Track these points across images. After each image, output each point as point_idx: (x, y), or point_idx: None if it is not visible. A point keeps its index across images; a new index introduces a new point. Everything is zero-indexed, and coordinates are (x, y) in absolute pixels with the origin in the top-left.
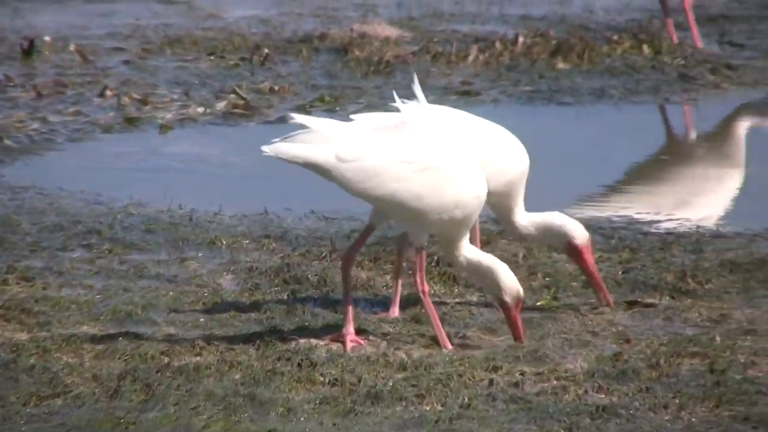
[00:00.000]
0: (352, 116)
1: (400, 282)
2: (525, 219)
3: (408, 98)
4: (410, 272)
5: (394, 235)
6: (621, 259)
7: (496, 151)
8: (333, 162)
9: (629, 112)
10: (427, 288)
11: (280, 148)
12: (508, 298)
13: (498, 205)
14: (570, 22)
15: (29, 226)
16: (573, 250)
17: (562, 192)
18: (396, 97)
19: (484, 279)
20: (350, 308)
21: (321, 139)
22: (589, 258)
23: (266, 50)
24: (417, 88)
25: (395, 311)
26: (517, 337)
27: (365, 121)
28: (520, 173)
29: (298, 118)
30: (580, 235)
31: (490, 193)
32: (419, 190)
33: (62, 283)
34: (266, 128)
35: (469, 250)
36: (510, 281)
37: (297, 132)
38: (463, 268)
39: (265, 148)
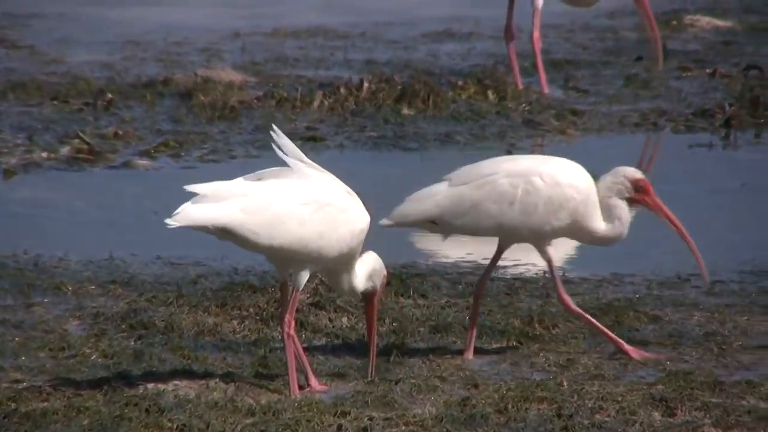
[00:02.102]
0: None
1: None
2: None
3: (253, 143)
4: (257, 317)
5: (242, 281)
6: (468, 304)
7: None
8: (240, 217)
9: (475, 158)
10: (294, 331)
11: (185, 217)
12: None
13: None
14: (415, 68)
15: None
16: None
17: (407, 238)
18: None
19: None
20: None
21: (219, 199)
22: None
23: (110, 95)
24: (281, 138)
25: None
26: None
27: (254, 175)
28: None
29: (193, 187)
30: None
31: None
32: (320, 228)
33: None
34: (111, 173)
35: (356, 275)
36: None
37: (192, 200)
38: (354, 295)
39: (168, 221)
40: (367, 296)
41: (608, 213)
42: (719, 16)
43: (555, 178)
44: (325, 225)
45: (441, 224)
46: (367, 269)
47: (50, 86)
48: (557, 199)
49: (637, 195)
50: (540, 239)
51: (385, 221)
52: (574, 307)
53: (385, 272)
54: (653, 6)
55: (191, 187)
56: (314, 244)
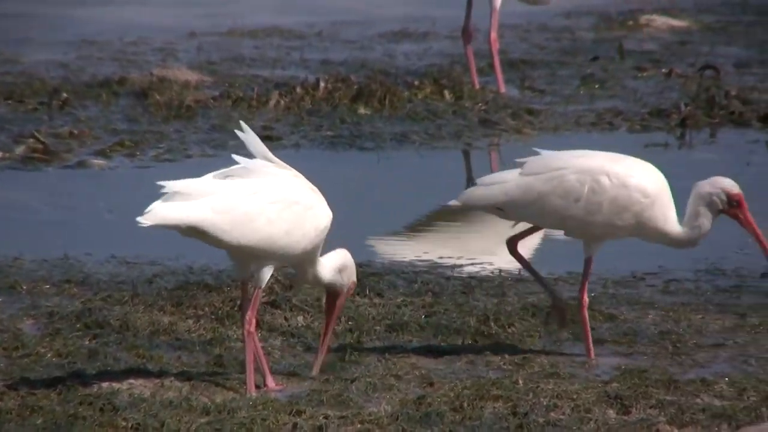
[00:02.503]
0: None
1: None
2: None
3: (209, 143)
4: (212, 316)
5: (197, 280)
6: (424, 303)
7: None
8: (210, 216)
9: (431, 157)
10: (253, 328)
11: (155, 216)
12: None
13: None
14: (371, 67)
15: None
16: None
17: (364, 237)
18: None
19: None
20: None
21: (189, 197)
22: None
23: (65, 94)
24: (248, 135)
25: None
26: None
27: (222, 173)
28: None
29: (165, 183)
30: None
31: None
32: (288, 226)
33: None
34: (66, 173)
35: (321, 265)
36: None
37: (162, 198)
38: (325, 281)
39: (140, 220)
40: (331, 293)
41: (690, 218)
42: (675, 16)
43: (623, 179)
44: (293, 222)
45: (506, 212)
46: (335, 263)
47: (5, 85)
48: (622, 201)
49: (730, 210)
50: (601, 237)
51: (453, 202)
52: (585, 312)
53: (354, 279)
54: (608, 6)
55: (164, 183)
56: (282, 242)
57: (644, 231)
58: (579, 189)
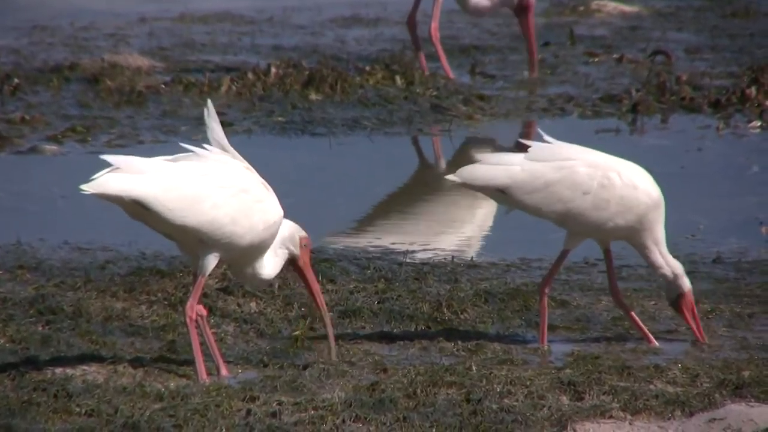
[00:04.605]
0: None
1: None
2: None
3: (161, 129)
4: (165, 302)
5: (150, 266)
6: (377, 289)
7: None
8: (156, 191)
9: (382, 143)
10: (195, 316)
11: (100, 185)
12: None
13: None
14: (322, 53)
15: None
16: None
17: (316, 223)
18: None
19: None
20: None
21: (137, 173)
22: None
23: (17, 80)
24: (211, 120)
25: None
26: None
27: (173, 158)
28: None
29: (109, 158)
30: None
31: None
32: (234, 213)
33: None
34: (18, 158)
35: (262, 265)
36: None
37: (105, 171)
38: (263, 284)
39: (83, 187)
40: (293, 265)
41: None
42: (626, 1)
43: (632, 180)
44: (239, 211)
45: (509, 195)
46: (274, 247)
47: None
48: (628, 200)
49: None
50: (598, 234)
51: (452, 177)
52: (545, 300)
53: (302, 235)
54: None
55: (107, 157)
56: (226, 229)
57: (640, 234)
58: (588, 183)
